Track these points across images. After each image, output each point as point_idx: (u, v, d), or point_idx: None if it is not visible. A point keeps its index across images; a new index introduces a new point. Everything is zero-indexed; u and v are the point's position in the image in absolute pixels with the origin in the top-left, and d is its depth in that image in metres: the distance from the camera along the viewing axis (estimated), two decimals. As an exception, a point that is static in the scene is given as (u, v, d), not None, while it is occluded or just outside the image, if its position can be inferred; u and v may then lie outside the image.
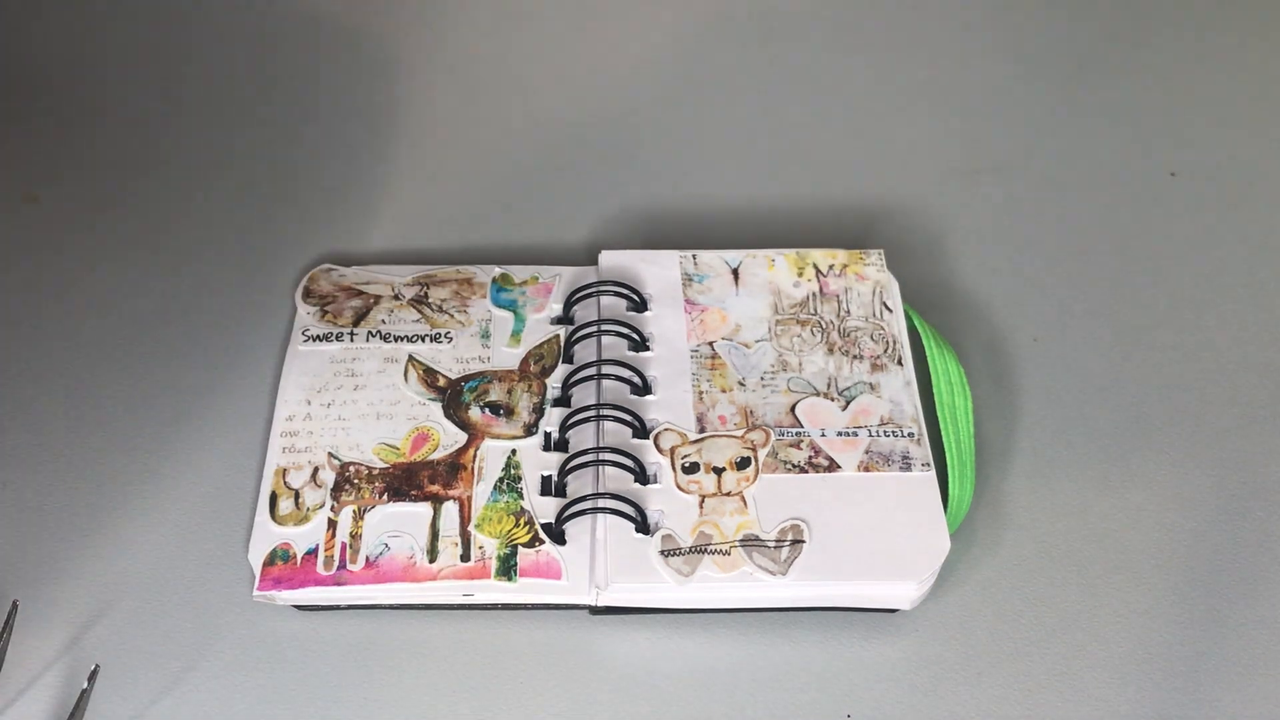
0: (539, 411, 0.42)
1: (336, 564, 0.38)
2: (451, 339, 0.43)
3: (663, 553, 0.38)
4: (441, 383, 0.42)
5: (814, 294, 0.44)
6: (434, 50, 0.56)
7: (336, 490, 0.40)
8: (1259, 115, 0.54)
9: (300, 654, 0.38)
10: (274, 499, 0.39)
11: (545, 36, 0.57)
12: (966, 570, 0.40)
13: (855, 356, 0.42)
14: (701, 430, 0.40)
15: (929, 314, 0.46)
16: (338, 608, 0.38)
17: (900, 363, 0.42)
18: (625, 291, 0.44)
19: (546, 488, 0.40)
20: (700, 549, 0.38)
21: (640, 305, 0.44)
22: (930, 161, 0.52)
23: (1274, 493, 0.42)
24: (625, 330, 0.43)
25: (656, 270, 0.45)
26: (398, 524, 0.39)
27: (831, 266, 0.45)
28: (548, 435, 0.41)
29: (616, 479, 0.39)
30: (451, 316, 0.44)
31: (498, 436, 0.41)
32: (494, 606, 0.38)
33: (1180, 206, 0.50)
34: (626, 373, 0.41)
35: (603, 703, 0.37)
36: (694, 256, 0.45)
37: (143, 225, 0.49)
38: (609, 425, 0.40)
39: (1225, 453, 0.43)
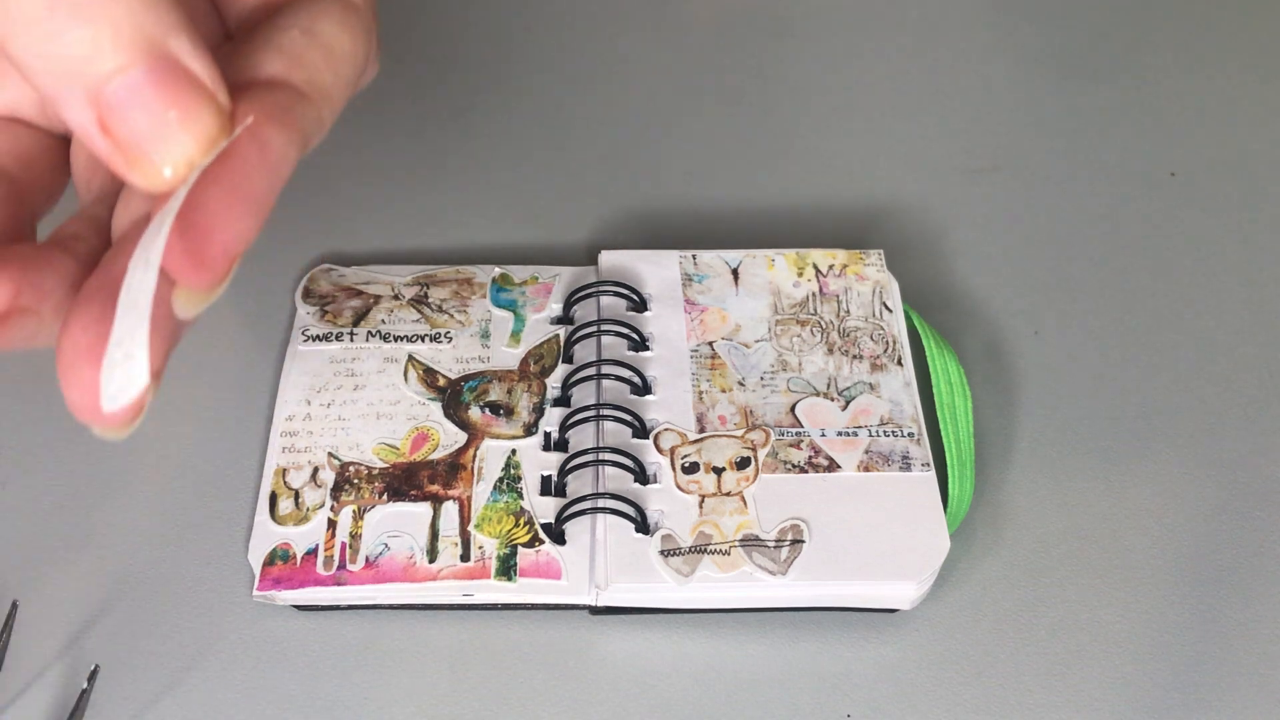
0: (539, 411, 0.42)
1: (336, 564, 0.38)
2: (451, 339, 0.43)
3: (663, 553, 0.38)
4: (441, 383, 0.42)
5: (814, 294, 0.44)
6: (433, 49, 0.56)
7: (336, 490, 0.40)
8: (1259, 115, 0.54)
9: (300, 654, 0.38)
10: (274, 499, 0.39)
11: (545, 36, 0.57)
12: (966, 570, 0.40)
13: (855, 356, 0.42)
14: (701, 430, 0.40)
15: (929, 314, 0.46)
16: (338, 608, 0.38)
17: (900, 363, 0.42)
18: (625, 291, 0.44)
19: (546, 488, 0.40)
20: (700, 549, 0.38)
21: (640, 305, 0.44)
22: (930, 161, 0.52)
23: (1274, 493, 0.42)
24: (625, 330, 0.43)
25: (656, 270, 0.45)
26: (398, 524, 0.39)
27: (831, 266, 0.45)
28: (548, 435, 0.41)
29: (616, 479, 0.39)
30: (451, 316, 0.44)
31: (498, 436, 0.41)
32: (494, 606, 0.38)
33: (1180, 206, 0.50)
34: (626, 373, 0.41)
35: (603, 703, 0.37)
36: (694, 256, 0.45)
37: (143, 225, 0.49)
38: (609, 425, 0.40)
39: (1225, 453, 0.43)
